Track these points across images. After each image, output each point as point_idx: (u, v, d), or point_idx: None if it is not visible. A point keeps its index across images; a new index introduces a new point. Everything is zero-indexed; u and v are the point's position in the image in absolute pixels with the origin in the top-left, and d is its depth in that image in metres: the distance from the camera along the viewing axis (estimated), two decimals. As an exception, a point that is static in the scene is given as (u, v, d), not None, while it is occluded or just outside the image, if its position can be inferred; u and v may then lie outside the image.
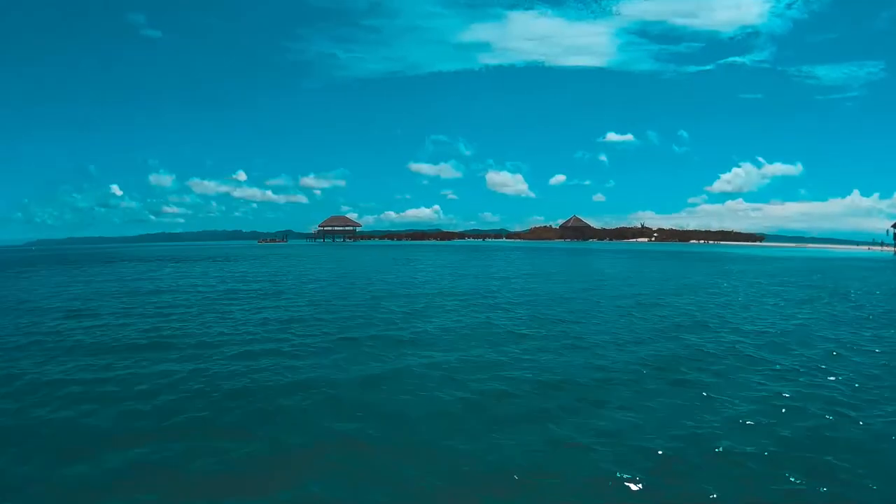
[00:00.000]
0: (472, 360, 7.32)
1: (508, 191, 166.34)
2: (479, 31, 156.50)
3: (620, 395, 5.94)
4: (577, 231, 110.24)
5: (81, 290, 17.01)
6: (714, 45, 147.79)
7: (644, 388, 6.17)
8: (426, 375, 6.55)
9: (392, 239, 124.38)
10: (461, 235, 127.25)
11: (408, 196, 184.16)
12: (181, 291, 16.16)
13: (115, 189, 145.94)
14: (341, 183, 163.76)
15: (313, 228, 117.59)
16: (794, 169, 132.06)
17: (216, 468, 4.32)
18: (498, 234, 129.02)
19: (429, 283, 18.78)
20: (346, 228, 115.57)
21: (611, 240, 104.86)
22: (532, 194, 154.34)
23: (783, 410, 5.45)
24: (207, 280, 19.98)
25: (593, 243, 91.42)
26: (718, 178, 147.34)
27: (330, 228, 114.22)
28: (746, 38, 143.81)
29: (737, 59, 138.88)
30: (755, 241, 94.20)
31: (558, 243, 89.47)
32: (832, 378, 6.61)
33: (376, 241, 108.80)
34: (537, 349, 8.07)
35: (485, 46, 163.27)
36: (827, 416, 5.26)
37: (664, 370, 6.94)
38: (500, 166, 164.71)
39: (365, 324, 10.27)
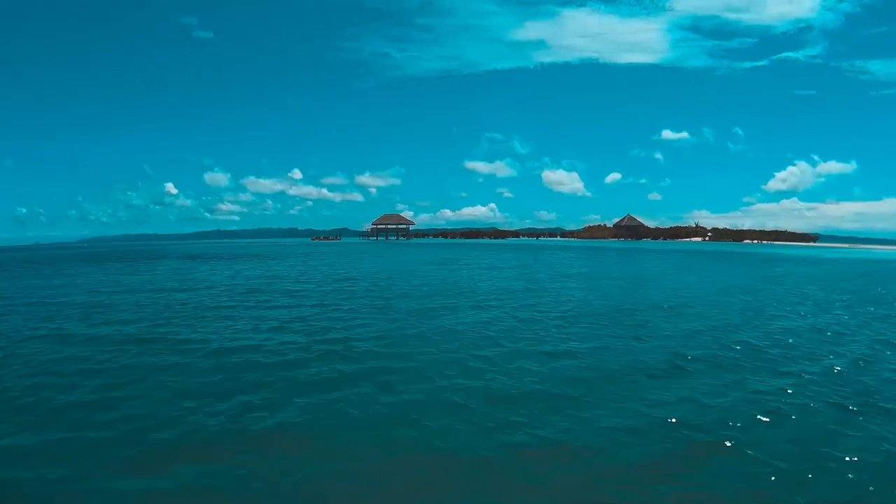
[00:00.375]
0: (413, 369, 7.30)
1: (564, 189, 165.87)
2: (534, 29, 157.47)
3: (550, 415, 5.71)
4: (630, 230, 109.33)
5: (109, 285, 18.37)
6: (767, 40, 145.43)
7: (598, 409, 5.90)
8: (353, 384, 6.61)
9: (445, 237, 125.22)
10: (515, 234, 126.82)
11: (463, 194, 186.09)
12: (202, 289, 16.99)
13: (171, 187, 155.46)
14: (397, 181, 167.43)
15: (367, 226, 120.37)
16: (849, 167, 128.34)
17: (127, 454, 4.74)
18: (553, 232, 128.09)
19: (451, 283, 18.77)
20: (400, 226, 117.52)
21: (664, 239, 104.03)
22: (588, 193, 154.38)
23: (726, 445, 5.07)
24: (235, 279, 20.90)
25: (646, 243, 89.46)
26: (773, 176, 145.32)
27: (383, 226, 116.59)
28: (799, 33, 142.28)
29: (790, 54, 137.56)
30: (808, 242, 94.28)
31: (611, 242, 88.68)
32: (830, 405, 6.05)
33: (429, 240, 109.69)
34: (501, 356, 7.94)
35: (539, 44, 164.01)
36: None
37: (617, 395, 6.56)
38: (556, 164, 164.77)
39: (354, 326, 10.42)
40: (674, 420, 5.46)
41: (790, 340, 9.35)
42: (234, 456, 4.64)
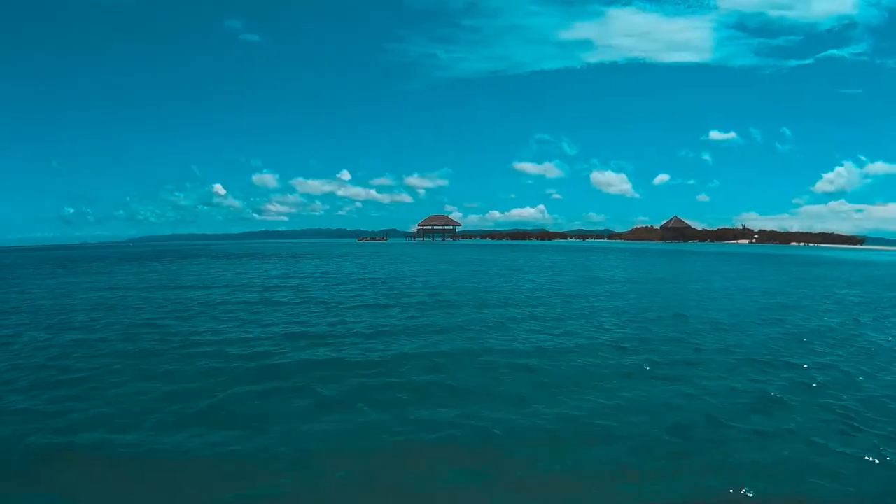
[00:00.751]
0: (355, 367, 7.48)
1: (613, 190, 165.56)
2: (580, 29, 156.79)
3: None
4: (677, 232, 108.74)
5: (131, 283, 19.84)
6: (812, 38, 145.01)
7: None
8: (285, 380, 6.93)
9: (492, 238, 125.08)
10: (563, 236, 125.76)
11: (512, 195, 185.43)
12: (216, 287, 17.84)
13: (219, 188, 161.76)
14: (445, 182, 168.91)
15: (413, 227, 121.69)
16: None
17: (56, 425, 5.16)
18: (601, 234, 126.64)
19: (464, 285, 18.77)
20: (446, 228, 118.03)
21: (711, 241, 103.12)
22: (636, 194, 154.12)
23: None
24: (254, 279, 21.77)
25: (692, 245, 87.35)
26: (821, 177, 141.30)
27: (430, 227, 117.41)
28: (844, 30, 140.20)
29: (835, 52, 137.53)
30: (855, 244, 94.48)
31: (656, 244, 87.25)
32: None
33: (475, 241, 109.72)
34: (457, 356, 8.03)
35: (586, 44, 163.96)
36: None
37: (551, 403, 6.42)
38: (605, 165, 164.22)
39: (333, 325, 10.74)
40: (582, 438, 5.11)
41: (785, 347, 8.86)
42: (132, 432, 5.15)
